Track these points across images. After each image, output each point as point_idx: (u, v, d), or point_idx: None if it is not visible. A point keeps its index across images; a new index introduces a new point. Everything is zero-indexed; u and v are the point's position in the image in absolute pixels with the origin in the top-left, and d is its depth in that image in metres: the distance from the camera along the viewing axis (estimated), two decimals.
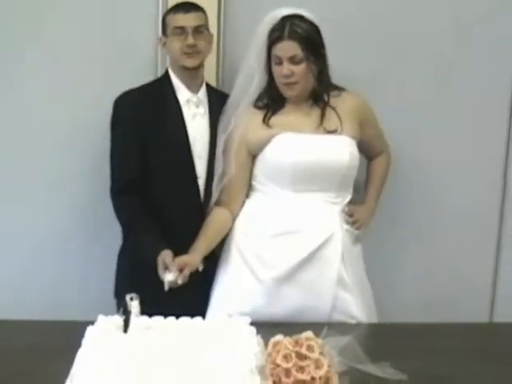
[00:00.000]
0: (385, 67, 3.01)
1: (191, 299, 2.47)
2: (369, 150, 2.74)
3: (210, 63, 2.82)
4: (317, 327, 2.05)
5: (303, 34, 2.50)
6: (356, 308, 2.57)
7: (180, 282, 2.41)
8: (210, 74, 2.84)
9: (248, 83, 2.62)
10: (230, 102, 2.67)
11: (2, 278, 3.00)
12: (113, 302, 2.72)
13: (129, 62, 2.93)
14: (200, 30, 2.66)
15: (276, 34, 2.51)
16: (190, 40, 2.62)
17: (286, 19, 2.53)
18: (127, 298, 2.04)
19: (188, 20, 2.64)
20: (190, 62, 2.66)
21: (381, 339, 2.36)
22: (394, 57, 3.01)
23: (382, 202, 2.86)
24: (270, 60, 2.57)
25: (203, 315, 2.34)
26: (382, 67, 3.00)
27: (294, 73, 2.52)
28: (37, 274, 3.03)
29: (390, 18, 2.99)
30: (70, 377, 1.91)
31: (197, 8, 2.68)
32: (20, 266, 3.03)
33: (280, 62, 2.52)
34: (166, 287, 2.39)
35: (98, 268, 3.01)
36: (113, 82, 2.85)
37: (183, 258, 2.46)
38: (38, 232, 3.02)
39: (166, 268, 2.43)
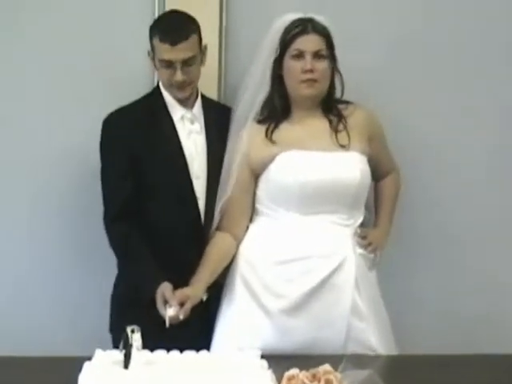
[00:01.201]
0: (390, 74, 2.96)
1: (193, 332, 2.38)
2: (377, 168, 2.63)
3: (212, 76, 2.76)
4: (331, 360, 1.97)
5: (326, 31, 2.48)
6: (373, 338, 2.47)
7: (182, 317, 2.32)
8: (211, 87, 2.78)
9: (254, 96, 2.55)
10: (238, 118, 2.58)
11: None
12: (108, 336, 2.62)
13: (123, 76, 2.85)
14: (190, 62, 2.52)
15: (298, 29, 2.46)
16: (179, 77, 2.50)
17: (303, 19, 2.49)
18: (128, 330, 1.94)
19: (176, 54, 2.48)
20: (180, 94, 2.57)
21: (402, 372, 2.27)
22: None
23: (396, 224, 2.76)
24: (277, 65, 2.50)
25: (206, 349, 2.22)
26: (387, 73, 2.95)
27: (317, 69, 2.45)
28: (26, 307, 2.94)
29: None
30: None
31: (186, 35, 2.50)
32: (8, 299, 2.94)
33: (301, 56, 2.45)
34: (167, 323, 2.30)
35: (90, 301, 2.92)
36: (105, 96, 2.79)
37: (184, 291, 2.37)
38: (26, 264, 2.94)
39: (166, 302, 2.33)
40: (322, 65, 2.46)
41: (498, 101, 3.02)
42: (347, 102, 2.58)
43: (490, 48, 2.99)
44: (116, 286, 2.69)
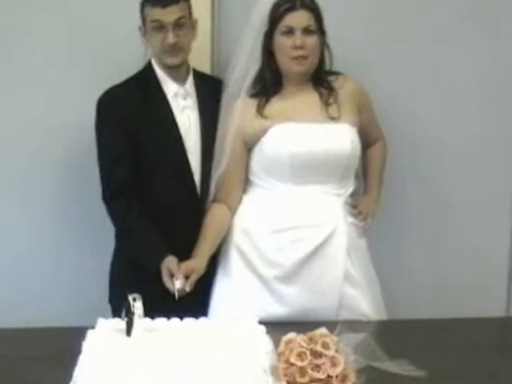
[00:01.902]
0: (382, 51, 2.99)
1: (190, 301, 2.41)
2: (365, 137, 2.67)
3: (205, 49, 2.78)
4: (326, 325, 2.01)
5: (314, 6, 2.51)
6: (365, 305, 2.55)
7: (188, 289, 2.38)
8: (204, 62, 2.81)
9: (246, 69, 2.58)
10: (229, 91, 2.61)
11: None
12: (107, 307, 2.68)
13: (114, 53, 2.88)
14: (180, 22, 2.55)
15: (287, 5, 2.48)
16: (171, 39, 2.53)
17: None
18: (130, 298, 2.00)
19: (167, 15, 2.52)
20: (172, 61, 2.58)
21: (394, 336, 2.33)
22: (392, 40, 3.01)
23: (385, 192, 2.82)
24: (267, 40, 2.53)
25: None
26: (379, 51, 2.99)
27: (307, 45, 2.48)
28: (27, 281, 3.00)
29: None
30: (72, 381, 1.87)
31: None
32: (9, 272, 2.99)
33: (291, 32, 2.48)
34: (177, 295, 2.37)
35: (90, 272, 2.97)
36: (98, 77, 2.79)
37: (189, 264, 2.43)
38: (27, 237, 2.99)
39: (172, 275, 2.39)
40: (312, 40, 2.49)
41: (485, 67, 3.06)
42: (337, 74, 2.62)
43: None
44: (115, 258, 2.74)
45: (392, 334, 2.36)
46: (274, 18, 2.50)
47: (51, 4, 2.86)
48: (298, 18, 2.48)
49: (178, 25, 2.55)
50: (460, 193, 3.15)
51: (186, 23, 2.57)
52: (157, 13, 2.53)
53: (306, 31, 2.49)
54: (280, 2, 2.50)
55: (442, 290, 3.14)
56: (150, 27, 2.56)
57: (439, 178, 3.13)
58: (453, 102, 3.07)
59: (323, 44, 2.55)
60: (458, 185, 3.14)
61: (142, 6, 2.60)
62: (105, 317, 2.17)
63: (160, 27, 2.54)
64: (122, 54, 2.85)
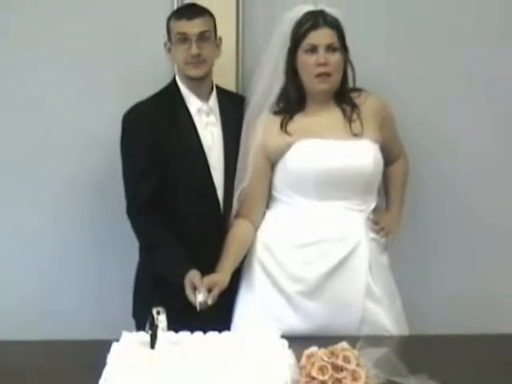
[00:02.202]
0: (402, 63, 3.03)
1: (213, 315, 2.43)
2: (386, 153, 2.69)
3: (229, 68, 2.82)
4: (348, 340, 2.02)
5: (337, 23, 2.54)
6: (387, 320, 2.56)
7: (210, 302, 2.41)
8: (229, 80, 2.85)
9: (269, 86, 2.62)
10: (252, 108, 2.65)
11: (17, 298, 3.02)
12: (131, 322, 2.71)
13: (142, 69, 2.94)
14: (205, 36, 2.61)
15: (310, 23, 2.52)
16: (194, 50, 2.58)
17: (314, 12, 2.55)
18: (154, 311, 2.03)
19: (191, 27, 2.59)
20: (195, 73, 2.63)
21: (415, 351, 2.34)
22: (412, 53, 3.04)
23: (407, 208, 2.85)
24: (292, 59, 2.57)
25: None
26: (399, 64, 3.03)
27: (330, 62, 2.51)
28: (53, 295, 3.05)
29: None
30: None
31: (202, 12, 2.63)
32: (36, 287, 3.05)
33: (314, 51, 2.52)
34: (198, 308, 2.39)
35: (113, 287, 3.03)
36: (125, 90, 2.87)
37: (212, 278, 2.46)
38: (52, 252, 3.04)
39: (195, 289, 2.42)
40: (335, 57, 2.52)
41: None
42: (359, 90, 2.65)
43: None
44: (139, 272, 2.77)
45: (413, 349, 2.36)
46: (297, 36, 2.53)
47: (78, 15, 2.93)
48: (321, 36, 2.51)
49: (201, 37, 2.60)
50: (484, 206, 3.15)
51: (209, 37, 2.63)
52: (182, 25, 2.60)
53: (330, 48, 2.52)
54: (303, 21, 2.54)
55: (465, 305, 3.13)
56: (174, 40, 2.62)
57: (462, 192, 3.14)
58: (474, 112, 3.09)
59: (346, 61, 2.58)
60: (482, 197, 3.14)
61: (168, 20, 2.66)
62: (128, 331, 2.19)
63: (184, 39, 2.59)
64: (149, 69, 2.91)
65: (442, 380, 2.06)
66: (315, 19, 2.53)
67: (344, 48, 2.56)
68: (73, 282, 3.05)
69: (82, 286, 3.05)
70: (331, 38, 2.52)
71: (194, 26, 2.59)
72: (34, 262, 3.03)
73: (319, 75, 2.53)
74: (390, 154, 2.74)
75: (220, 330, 2.24)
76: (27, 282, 3.02)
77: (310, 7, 2.57)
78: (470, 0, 3.02)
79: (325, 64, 2.51)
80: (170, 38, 2.66)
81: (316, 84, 2.55)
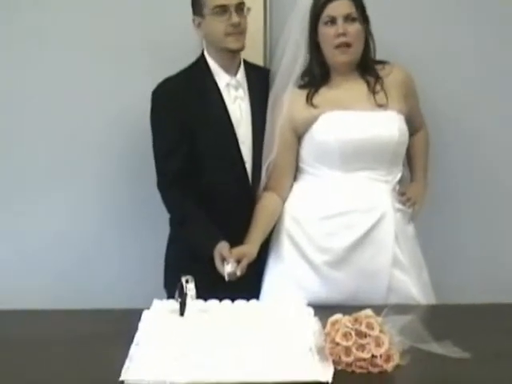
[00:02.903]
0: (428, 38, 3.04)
1: (242, 285, 2.48)
2: (409, 125, 2.69)
3: (257, 41, 2.85)
4: (375, 309, 2.06)
5: None
6: (414, 289, 2.59)
7: (239, 273, 2.46)
8: (257, 53, 2.87)
9: (294, 60, 2.64)
10: (278, 82, 2.68)
11: (57, 271, 3.12)
12: (163, 293, 2.74)
13: (168, 45, 2.99)
14: (242, 6, 2.64)
15: None
16: (235, 18, 2.60)
17: None
18: (183, 280, 2.09)
19: None
20: (236, 44, 2.65)
21: (441, 319, 2.36)
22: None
23: (433, 179, 2.87)
24: (313, 33, 2.59)
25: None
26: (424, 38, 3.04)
27: (349, 32, 2.54)
28: (92, 270, 3.15)
29: None
30: (129, 357, 1.98)
31: None
32: (77, 263, 3.14)
33: (333, 22, 2.54)
34: (227, 279, 2.44)
35: (146, 259, 3.09)
36: (152, 67, 2.93)
37: (240, 249, 2.51)
38: (91, 226, 3.13)
39: (224, 260, 2.47)
40: (354, 27, 2.54)
41: None
42: (384, 62, 2.66)
43: None
44: (170, 245, 2.83)
45: (439, 318, 2.39)
46: (316, 9, 2.56)
47: None
48: (339, 7, 2.54)
49: (239, 8, 2.63)
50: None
51: (244, 8, 2.65)
52: None
53: (348, 19, 2.54)
54: None
55: (492, 274, 3.16)
56: (211, 13, 2.61)
57: (488, 163, 3.16)
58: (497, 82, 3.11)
59: (367, 32, 2.60)
60: (507, 164, 3.16)
61: None
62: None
63: (223, 11, 2.60)
64: (176, 44, 2.95)
65: (466, 347, 2.08)
66: None
67: (364, 19, 2.58)
68: (108, 255, 3.14)
69: (118, 259, 3.14)
70: (349, 8, 2.54)
71: None
72: (75, 239, 3.13)
73: (339, 46, 2.55)
74: (413, 125, 2.75)
75: (248, 300, 2.30)
76: (67, 256, 3.12)
77: None
78: None
79: (344, 34, 2.53)
80: (199, 13, 2.66)
81: (337, 55, 2.57)
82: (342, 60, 2.58)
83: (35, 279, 3.08)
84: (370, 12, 2.60)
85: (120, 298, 2.83)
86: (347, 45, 2.55)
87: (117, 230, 3.12)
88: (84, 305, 2.51)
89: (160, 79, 2.71)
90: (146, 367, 1.91)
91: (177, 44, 2.95)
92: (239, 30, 2.64)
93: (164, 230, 2.82)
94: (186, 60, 2.77)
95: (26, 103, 3.05)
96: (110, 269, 3.13)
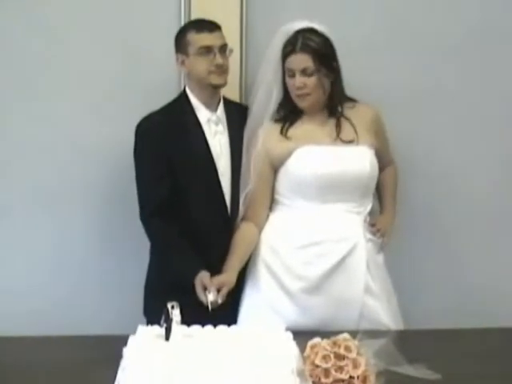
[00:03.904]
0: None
1: (220, 312, 2.52)
2: (379, 160, 2.80)
3: (234, 78, 2.92)
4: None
5: (315, 47, 2.63)
6: (384, 316, 2.68)
7: (220, 301, 2.52)
8: (233, 91, 2.95)
9: (268, 97, 2.74)
10: (252, 117, 2.77)
11: (38, 297, 3.13)
12: (142, 320, 2.76)
13: (149, 81, 3.06)
14: (225, 48, 2.75)
15: (289, 48, 2.64)
16: (219, 60, 2.70)
17: (298, 33, 2.66)
18: (169, 305, 2.12)
19: (214, 39, 2.72)
20: (218, 81, 2.74)
21: (411, 344, 2.44)
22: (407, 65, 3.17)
23: (401, 210, 2.98)
24: (284, 75, 2.69)
25: None
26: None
27: (306, 85, 2.64)
28: (64, 291, 3.15)
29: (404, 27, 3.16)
30: (116, 382, 2.01)
31: (218, 26, 2.76)
32: (52, 288, 3.15)
33: (293, 75, 2.64)
34: (210, 307, 2.51)
35: (124, 288, 3.13)
36: (134, 102, 3.00)
37: (220, 278, 2.58)
38: (73, 253, 3.15)
39: (205, 288, 2.54)
40: (312, 80, 2.63)
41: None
42: (354, 101, 2.77)
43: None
44: (150, 273, 2.88)
45: (409, 342, 2.47)
46: (282, 60, 2.67)
47: (88, 28, 3.05)
48: (296, 62, 2.63)
49: (223, 49, 2.73)
50: (476, 202, 3.28)
51: (226, 50, 2.75)
52: (204, 38, 2.71)
53: (305, 73, 2.63)
54: (286, 43, 2.66)
55: (455, 301, 3.26)
56: (195, 53, 2.71)
57: (448, 188, 3.28)
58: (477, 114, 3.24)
59: (333, 78, 2.68)
60: (466, 193, 3.28)
61: (182, 34, 2.76)
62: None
63: (207, 52, 2.70)
64: (158, 80, 3.04)
65: (437, 369, 2.17)
66: (294, 44, 2.63)
67: (328, 66, 2.66)
68: (90, 283, 3.16)
69: (99, 287, 3.16)
70: (306, 63, 2.62)
71: (217, 38, 2.73)
72: (55, 265, 3.15)
73: (298, 95, 2.66)
74: (383, 160, 2.84)
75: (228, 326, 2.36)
76: (49, 283, 3.14)
77: (300, 24, 2.68)
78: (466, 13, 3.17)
79: (300, 88, 2.64)
80: (184, 51, 2.75)
81: (299, 102, 2.69)
82: (304, 106, 2.70)
83: (17, 306, 3.08)
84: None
85: (101, 325, 2.91)
86: (306, 94, 2.66)
87: (99, 258, 3.15)
88: (65, 331, 2.56)
89: (143, 114, 2.78)
90: None
91: (159, 80, 3.03)
92: (222, 70, 2.73)
93: (144, 259, 2.87)
94: (168, 96, 2.86)
95: (12, 129, 3.09)
96: (92, 296, 3.14)
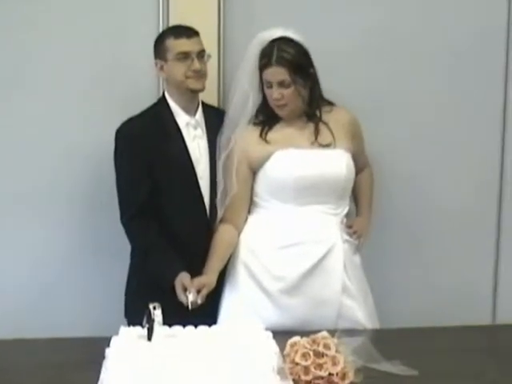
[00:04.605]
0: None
1: (200, 313, 2.53)
2: (355, 163, 2.82)
3: (212, 85, 2.94)
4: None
5: (290, 59, 2.64)
6: (361, 315, 2.70)
7: (200, 301, 2.54)
8: (211, 95, 2.97)
9: (244, 103, 2.75)
10: (228, 121, 2.79)
11: (19, 300, 3.12)
12: (123, 322, 2.78)
13: (129, 85, 3.08)
14: (203, 54, 2.77)
15: (265, 61, 2.66)
16: (197, 65, 2.72)
17: (273, 44, 2.67)
18: (150, 306, 2.14)
19: (192, 45, 2.74)
20: (196, 85, 2.76)
21: (388, 342, 2.47)
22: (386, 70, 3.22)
23: (377, 212, 3.02)
24: (262, 82, 2.71)
25: None
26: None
27: (284, 96, 2.66)
28: (45, 293, 3.15)
29: (382, 34, 3.20)
30: (100, 381, 2.03)
31: (196, 32, 2.78)
32: (32, 290, 3.14)
33: (270, 86, 2.67)
34: (190, 307, 2.52)
35: (104, 291, 3.13)
36: (114, 106, 3.02)
37: (201, 279, 2.60)
38: (55, 256, 3.15)
39: (185, 289, 2.55)
40: (288, 91, 2.65)
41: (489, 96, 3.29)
42: (332, 104, 2.80)
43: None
44: (130, 276, 2.88)
45: (385, 340, 2.49)
46: (259, 69, 2.69)
47: (72, 29, 3.05)
48: (273, 74, 2.65)
49: (200, 55, 2.75)
50: (449, 204, 3.33)
51: (204, 56, 2.78)
52: (182, 43, 2.73)
53: (282, 85, 2.65)
54: (262, 54, 2.68)
55: (428, 300, 3.31)
56: (173, 58, 2.73)
57: (430, 192, 3.34)
58: (451, 117, 3.29)
59: (310, 85, 2.71)
60: (448, 196, 3.33)
61: (161, 40, 2.78)
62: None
63: (185, 57, 2.72)
64: (137, 85, 3.06)
65: (413, 366, 2.21)
66: (269, 57, 2.65)
67: (305, 75, 2.68)
68: (70, 286, 3.15)
69: (80, 290, 3.15)
70: (283, 75, 2.64)
71: (194, 44, 2.75)
72: (36, 268, 3.14)
73: (277, 105, 2.69)
74: (359, 164, 2.86)
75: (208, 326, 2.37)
76: (30, 285, 3.13)
77: (275, 33, 2.69)
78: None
79: (278, 99, 2.67)
80: (162, 57, 2.77)
81: (277, 111, 2.72)
82: (282, 114, 2.72)
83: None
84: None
85: (82, 328, 2.89)
86: (284, 104, 2.68)
87: (80, 261, 3.14)
88: (44, 334, 2.54)
89: (124, 117, 2.80)
90: None
91: (140, 83, 3.06)
92: (200, 74, 2.75)
93: (125, 262, 2.88)
94: (149, 98, 2.90)
95: None
96: (72, 299, 3.14)
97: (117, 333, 2.24)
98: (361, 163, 2.90)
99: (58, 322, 3.00)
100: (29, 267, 3.12)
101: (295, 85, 2.66)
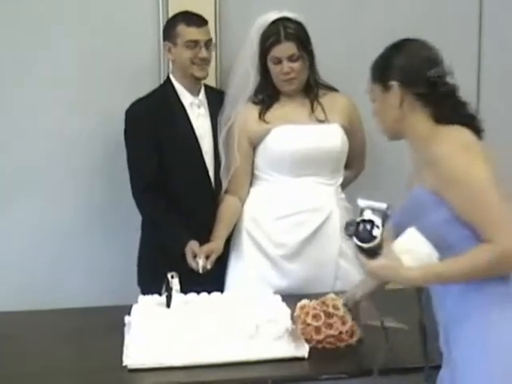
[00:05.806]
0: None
1: (207, 280, 2.60)
2: (354, 149, 2.87)
3: (210, 70, 2.93)
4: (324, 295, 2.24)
5: (297, 34, 2.72)
6: (358, 276, 2.77)
7: (209, 266, 2.63)
8: (210, 77, 2.98)
9: (244, 83, 2.81)
10: (228, 99, 2.84)
11: (28, 273, 3.12)
12: (136, 290, 2.81)
13: (131, 67, 3.09)
14: (210, 43, 2.82)
15: (273, 39, 2.71)
16: (204, 53, 2.78)
17: (277, 23, 2.73)
18: (169, 275, 2.20)
19: (202, 34, 2.79)
20: (201, 73, 2.82)
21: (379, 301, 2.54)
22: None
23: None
24: (262, 62, 2.76)
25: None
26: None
27: (293, 69, 2.72)
28: (67, 267, 3.16)
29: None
30: (125, 345, 2.11)
31: (206, 21, 2.83)
32: (42, 262, 3.14)
33: (279, 62, 2.72)
34: (201, 271, 2.61)
35: (116, 260, 3.15)
36: (117, 87, 3.05)
37: (209, 246, 2.68)
38: (65, 226, 3.13)
39: (195, 256, 2.63)
40: (297, 65, 2.72)
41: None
42: (330, 89, 2.86)
43: None
44: (142, 246, 2.93)
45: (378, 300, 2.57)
46: (264, 49, 2.73)
47: (76, 21, 3.06)
48: (283, 50, 2.71)
49: (208, 44, 2.80)
50: None
51: (211, 45, 2.84)
52: (193, 32, 2.78)
53: (291, 59, 2.71)
54: (268, 33, 2.73)
55: None
56: (182, 44, 2.78)
57: None
58: None
59: (311, 62, 2.77)
60: None
61: (174, 24, 2.81)
62: (134, 298, 2.35)
63: (194, 45, 2.77)
64: (140, 67, 3.09)
65: (401, 320, 2.27)
66: (277, 34, 2.70)
67: (308, 53, 2.75)
68: (82, 258, 3.16)
69: (91, 261, 3.16)
70: (292, 50, 2.70)
71: (203, 34, 2.80)
72: (46, 243, 3.12)
73: (285, 80, 2.74)
74: (355, 153, 2.89)
75: (216, 290, 2.41)
76: (39, 257, 3.12)
77: (276, 15, 2.75)
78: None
79: (288, 73, 2.72)
80: (172, 41, 2.81)
81: (284, 86, 2.76)
82: (288, 89, 2.77)
83: (8, 281, 3.07)
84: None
85: (93, 298, 2.90)
86: (294, 78, 2.74)
87: (89, 232, 3.15)
88: (59, 306, 2.60)
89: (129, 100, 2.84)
90: (144, 352, 2.05)
91: (142, 67, 3.09)
92: (205, 63, 2.81)
93: (136, 233, 2.92)
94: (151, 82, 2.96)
95: None
96: (82, 270, 3.15)
97: (128, 302, 2.32)
98: (357, 153, 2.91)
99: (69, 294, 3.02)
100: (40, 241, 3.12)
101: (302, 59, 2.72)
